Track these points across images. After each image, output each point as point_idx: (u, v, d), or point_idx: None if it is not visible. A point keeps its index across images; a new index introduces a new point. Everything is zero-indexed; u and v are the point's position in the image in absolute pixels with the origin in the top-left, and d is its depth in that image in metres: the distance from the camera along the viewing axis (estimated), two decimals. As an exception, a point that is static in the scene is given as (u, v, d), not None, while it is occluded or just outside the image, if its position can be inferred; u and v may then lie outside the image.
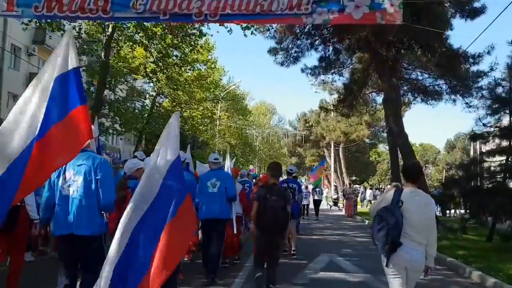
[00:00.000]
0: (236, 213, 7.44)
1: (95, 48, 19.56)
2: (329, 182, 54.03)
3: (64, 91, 3.31)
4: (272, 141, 70.20)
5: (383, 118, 44.69)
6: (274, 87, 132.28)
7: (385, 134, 48.70)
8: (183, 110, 25.61)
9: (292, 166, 11.87)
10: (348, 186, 24.60)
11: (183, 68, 21.56)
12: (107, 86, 19.89)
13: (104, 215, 4.07)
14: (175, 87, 22.27)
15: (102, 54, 18.25)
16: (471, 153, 72.79)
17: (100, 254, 3.75)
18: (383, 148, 76.29)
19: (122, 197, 5.13)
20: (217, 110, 33.80)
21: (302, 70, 23.07)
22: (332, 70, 23.11)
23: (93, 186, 3.84)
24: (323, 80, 23.79)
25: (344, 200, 23.50)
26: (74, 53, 3.43)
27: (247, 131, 57.30)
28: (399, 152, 22.40)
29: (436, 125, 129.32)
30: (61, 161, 3.38)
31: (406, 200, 3.76)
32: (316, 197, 20.85)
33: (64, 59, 3.33)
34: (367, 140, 49.90)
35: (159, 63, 20.07)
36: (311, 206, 20.57)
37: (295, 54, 19.76)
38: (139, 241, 2.89)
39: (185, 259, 7.30)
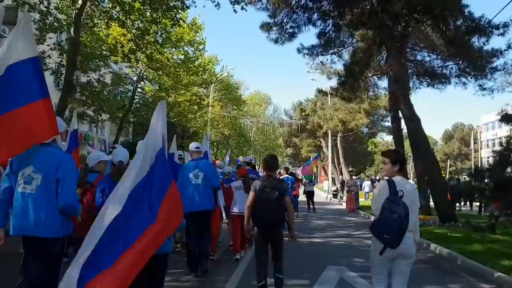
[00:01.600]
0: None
1: (65, 24, 17.29)
2: (326, 173, 52.09)
3: (22, 81, 3.24)
4: (267, 132, 68.43)
5: (382, 106, 42.66)
6: (269, 77, 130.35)
7: (385, 123, 46.80)
8: (168, 95, 23.36)
9: (250, 156, 12.15)
10: (350, 177, 22.43)
11: (165, 47, 19.22)
12: (79, 67, 17.66)
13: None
14: (157, 68, 19.90)
15: (72, 30, 16.00)
16: (471, 142, 71.47)
17: (58, 259, 3.57)
18: (382, 137, 74.71)
19: (80, 194, 4.69)
20: (206, 96, 31.50)
21: (299, 50, 20.93)
22: (332, 50, 20.95)
23: (53, 185, 3.50)
24: (321, 61, 21.59)
25: (346, 193, 21.32)
26: (32, 40, 3.39)
27: (242, 121, 55.53)
28: (405, 140, 20.50)
29: (433, 115, 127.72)
30: (8, 152, 3.36)
31: (402, 190, 3.78)
32: (308, 189, 19.48)
33: (22, 46, 3.26)
34: (365, 130, 47.77)
35: (138, 41, 17.76)
36: (300, 198, 18.76)
37: (290, 30, 17.55)
38: (118, 231, 2.72)
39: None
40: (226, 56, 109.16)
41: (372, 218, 16.21)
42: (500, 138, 67.72)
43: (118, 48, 19.15)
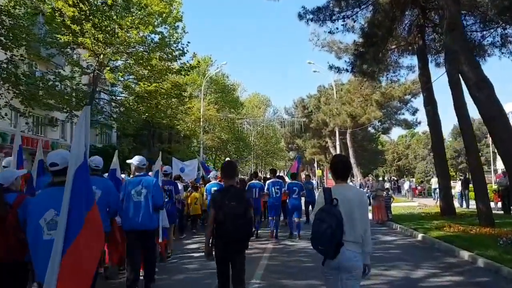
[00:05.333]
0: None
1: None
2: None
3: None
4: (267, 135, 64.19)
5: (396, 96, 37.60)
6: (267, 77, 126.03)
7: (401, 116, 41.46)
8: (137, 84, 18.47)
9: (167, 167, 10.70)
10: (375, 180, 17.26)
11: (118, 13, 14.28)
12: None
13: None
14: (110, 42, 14.94)
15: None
16: (489, 136, 66.52)
17: None
18: (389, 136, 69.55)
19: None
20: (186, 84, 26.49)
21: (301, 16, 16.03)
22: (344, 13, 16.03)
23: None
24: (330, 30, 16.54)
25: (371, 200, 16.10)
26: None
27: (240, 125, 51.22)
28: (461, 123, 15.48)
29: (440, 111, 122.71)
30: None
31: (339, 198, 3.61)
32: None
33: None
34: (377, 124, 42.65)
35: (81, 5, 12.86)
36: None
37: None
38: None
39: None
40: (221, 57, 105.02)
41: (420, 236, 11.23)
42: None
43: (57, 18, 14.22)
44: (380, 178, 18.77)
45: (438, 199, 25.25)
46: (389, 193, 16.07)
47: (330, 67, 17.12)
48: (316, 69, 37.42)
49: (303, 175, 18.51)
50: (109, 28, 14.69)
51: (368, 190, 18.22)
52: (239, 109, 53.65)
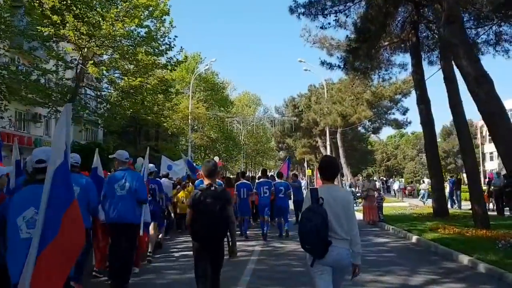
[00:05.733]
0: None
1: None
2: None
3: None
4: (257, 134, 63.64)
5: (387, 96, 37.28)
6: (257, 76, 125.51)
7: (391, 116, 41.16)
8: (121, 79, 17.84)
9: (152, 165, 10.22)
10: (366, 179, 16.81)
11: (100, 4, 13.63)
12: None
13: None
14: (91, 34, 14.28)
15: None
16: (479, 136, 66.76)
17: None
18: (386, 132, 69.48)
19: None
20: (173, 80, 25.83)
21: (292, 10, 15.59)
22: (336, 7, 15.58)
23: None
24: (322, 25, 16.04)
25: (362, 200, 15.69)
26: None
27: (230, 124, 50.57)
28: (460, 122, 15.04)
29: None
30: None
31: (325, 197, 3.65)
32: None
33: None
34: (367, 124, 42.34)
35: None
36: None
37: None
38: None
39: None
40: (210, 56, 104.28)
41: (413, 238, 10.81)
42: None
43: (37, 8, 13.54)
44: (372, 178, 18.29)
45: (424, 201, 25.27)
46: (381, 193, 15.62)
47: (322, 63, 16.69)
48: (307, 68, 37.12)
49: (290, 174, 18.15)
50: (93, 20, 14.05)
51: (359, 190, 17.78)
52: (229, 108, 53.07)
